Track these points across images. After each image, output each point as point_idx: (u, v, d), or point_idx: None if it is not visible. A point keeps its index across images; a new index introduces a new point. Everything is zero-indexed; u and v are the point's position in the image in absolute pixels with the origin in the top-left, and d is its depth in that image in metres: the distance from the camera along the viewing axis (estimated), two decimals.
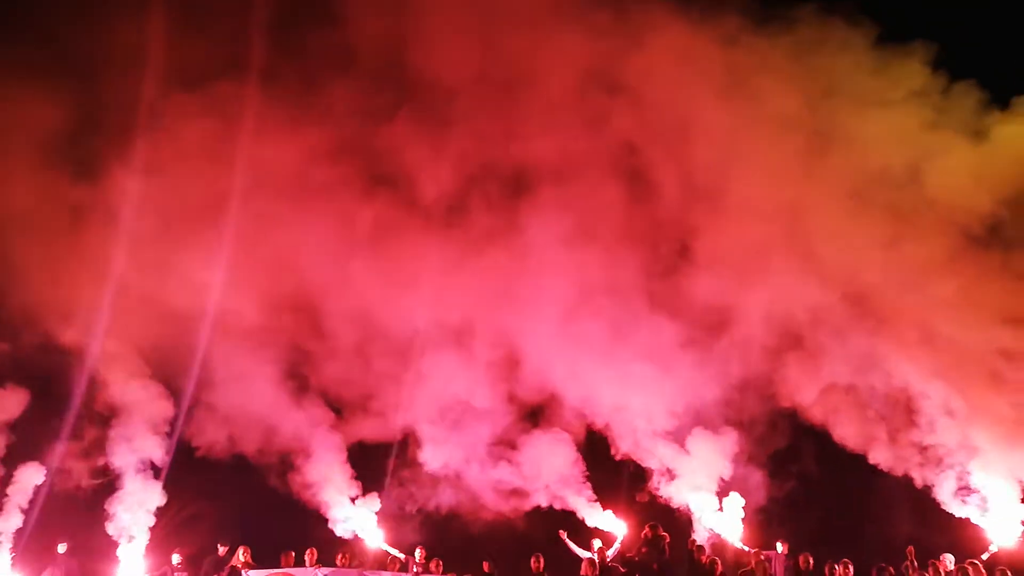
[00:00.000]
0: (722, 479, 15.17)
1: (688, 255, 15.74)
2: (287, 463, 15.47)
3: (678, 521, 15.13)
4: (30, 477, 14.05)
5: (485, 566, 14.00)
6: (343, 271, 15.53)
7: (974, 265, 14.32)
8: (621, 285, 15.76)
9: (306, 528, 15.01)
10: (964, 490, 14.31)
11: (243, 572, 13.44)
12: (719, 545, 14.71)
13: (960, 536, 14.13)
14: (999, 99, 14.67)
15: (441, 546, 14.82)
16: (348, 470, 15.45)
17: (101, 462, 14.68)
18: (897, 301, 14.75)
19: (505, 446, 15.82)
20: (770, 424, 15.74)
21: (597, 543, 14.46)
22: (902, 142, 14.78)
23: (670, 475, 15.41)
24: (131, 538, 14.14)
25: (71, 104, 14.54)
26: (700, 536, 14.82)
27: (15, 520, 13.83)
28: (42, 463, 14.22)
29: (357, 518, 15.13)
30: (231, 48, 15.17)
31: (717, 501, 15.06)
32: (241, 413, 15.44)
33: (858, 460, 15.16)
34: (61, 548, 13.97)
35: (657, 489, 15.43)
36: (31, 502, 13.99)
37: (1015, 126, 14.44)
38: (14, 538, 13.77)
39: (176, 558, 14.17)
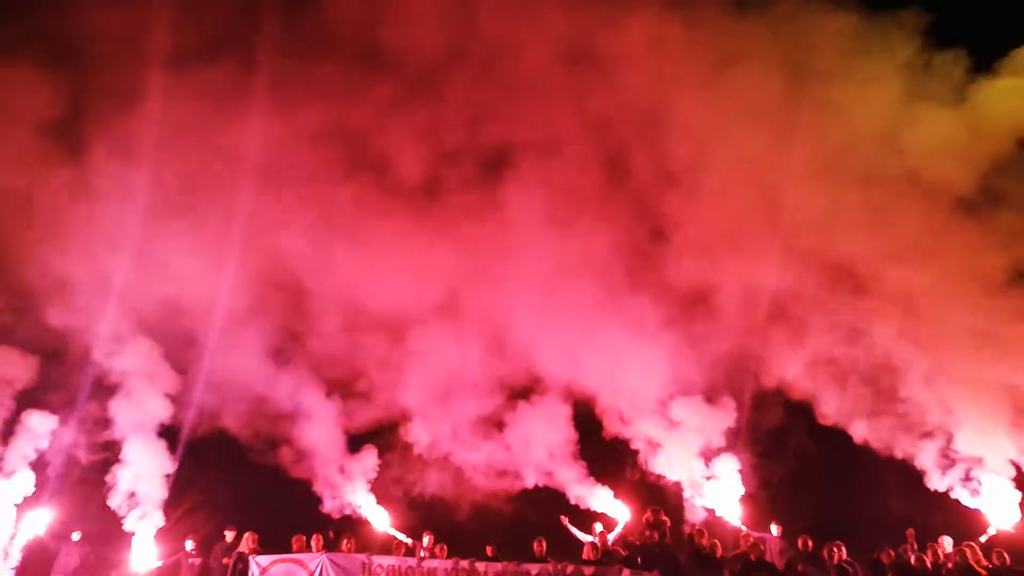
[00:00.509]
0: (713, 458, 15.24)
1: (671, 232, 15.84)
2: (292, 448, 15.65)
3: (670, 501, 15.19)
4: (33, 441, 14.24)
5: (488, 550, 14.16)
6: (331, 253, 15.72)
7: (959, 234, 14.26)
8: (606, 262, 15.84)
9: (312, 513, 15.20)
10: (948, 460, 14.34)
11: (250, 558, 13.71)
12: (712, 525, 14.73)
13: (958, 519, 14.12)
14: (982, 64, 14.59)
15: (446, 530, 14.87)
16: (350, 454, 15.64)
17: (107, 438, 14.81)
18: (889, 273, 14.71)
19: (496, 427, 15.92)
20: (762, 405, 15.74)
21: (598, 527, 14.59)
22: (886, 113, 14.66)
23: (658, 450, 15.49)
24: (139, 508, 14.24)
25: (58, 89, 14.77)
26: (693, 515, 14.90)
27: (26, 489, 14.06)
28: (50, 439, 14.38)
29: (362, 503, 15.33)
30: (216, 30, 15.30)
31: (708, 480, 15.12)
32: (247, 397, 15.65)
33: (852, 441, 15.17)
34: (75, 536, 14.04)
35: (646, 466, 15.51)
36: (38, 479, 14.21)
37: (996, 92, 14.29)
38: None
39: (190, 544, 14.34)
